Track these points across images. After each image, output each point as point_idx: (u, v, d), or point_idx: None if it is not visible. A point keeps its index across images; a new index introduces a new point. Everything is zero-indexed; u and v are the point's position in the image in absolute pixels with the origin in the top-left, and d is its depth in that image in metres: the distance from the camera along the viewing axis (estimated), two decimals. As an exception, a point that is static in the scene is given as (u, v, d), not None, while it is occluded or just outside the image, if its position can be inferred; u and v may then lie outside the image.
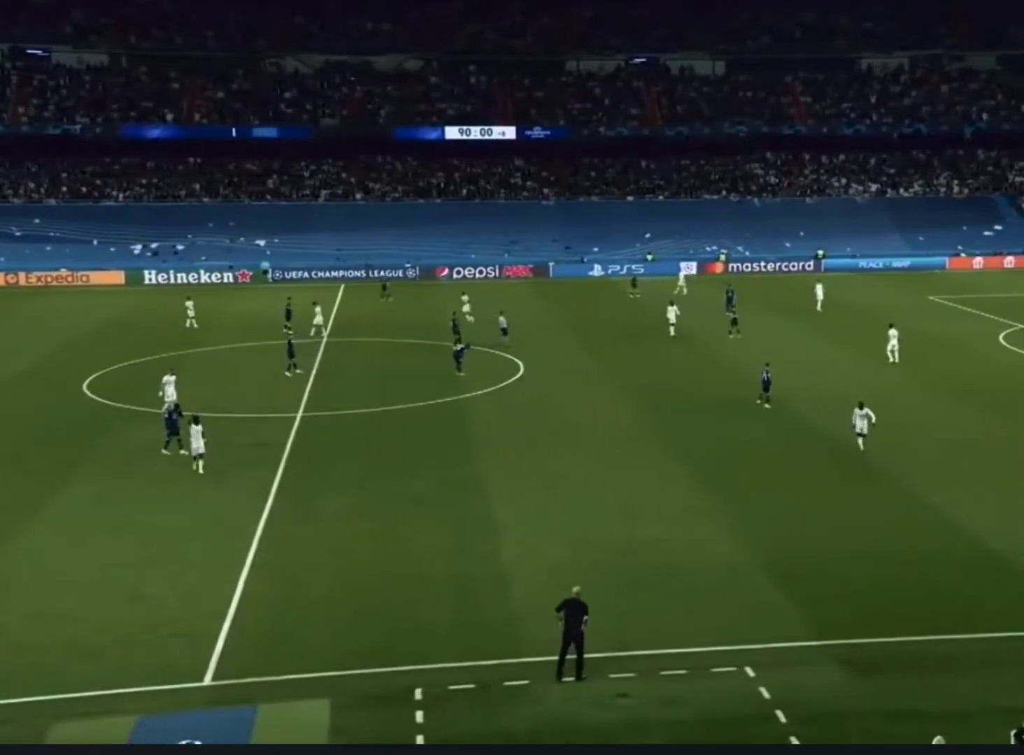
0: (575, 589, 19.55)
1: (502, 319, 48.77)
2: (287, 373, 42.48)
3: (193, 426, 30.29)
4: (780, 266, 76.33)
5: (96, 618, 21.53)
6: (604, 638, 20.40)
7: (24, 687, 18.90)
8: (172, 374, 36.34)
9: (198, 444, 30.13)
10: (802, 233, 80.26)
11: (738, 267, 76.03)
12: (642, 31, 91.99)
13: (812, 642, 20.44)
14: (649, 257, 75.99)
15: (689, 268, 74.83)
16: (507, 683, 19.06)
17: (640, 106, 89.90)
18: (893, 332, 43.67)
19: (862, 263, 76.64)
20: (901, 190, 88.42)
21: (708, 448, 32.62)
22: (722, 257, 76.60)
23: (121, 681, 18.97)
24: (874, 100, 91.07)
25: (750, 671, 19.21)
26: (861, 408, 31.48)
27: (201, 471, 30.09)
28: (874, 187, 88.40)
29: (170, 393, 35.19)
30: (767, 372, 36.81)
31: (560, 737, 17.47)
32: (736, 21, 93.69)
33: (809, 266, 76.27)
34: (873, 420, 31.25)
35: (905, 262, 77.26)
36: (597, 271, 74.26)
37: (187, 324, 53.32)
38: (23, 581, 23.41)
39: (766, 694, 18.48)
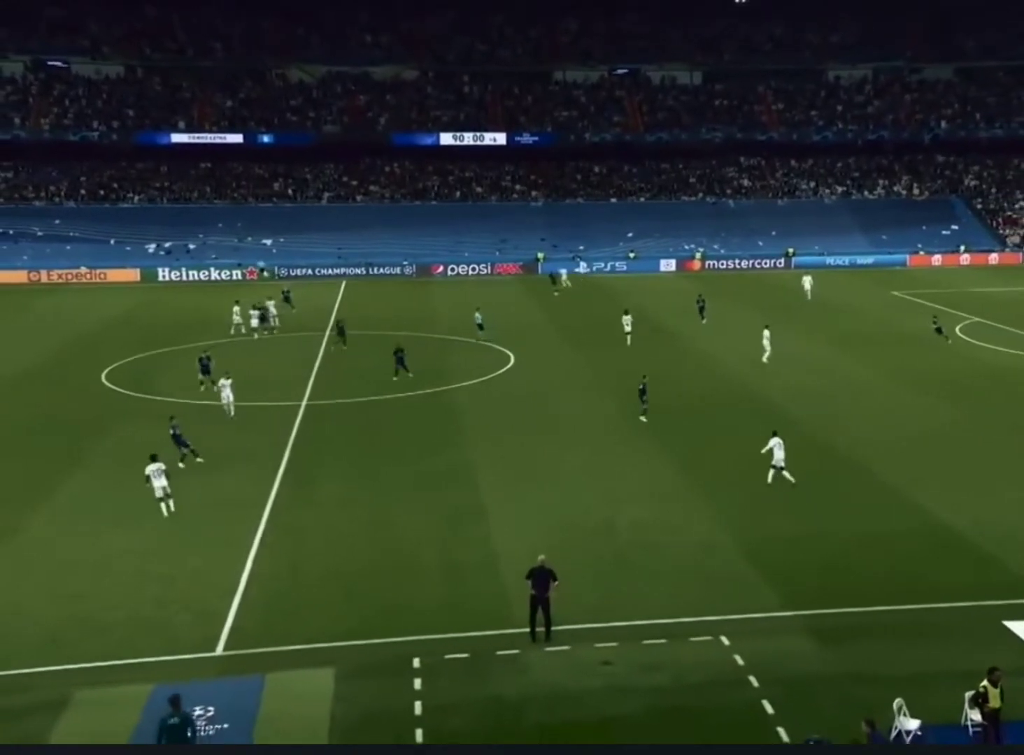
0: (540, 557, 19.69)
1: (478, 315, 48.33)
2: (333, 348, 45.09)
3: (151, 465, 25.86)
4: (753, 263, 76.36)
5: (115, 595, 21.44)
6: (589, 610, 20.49)
7: (43, 658, 18.83)
8: (228, 378, 34.59)
9: (162, 483, 25.62)
10: (773, 232, 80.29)
11: (714, 264, 76.04)
12: (624, 44, 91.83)
13: (782, 613, 20.50)
14: (631, 255, 75.96)
15: (668, 265, 75.13)
16: (498, 652, 19.08)
17: (622, 114, 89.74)
18: (766, 333, 42.06)
19: (829, 260, 76.66)
20: (865, 192, 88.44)
21: (686, 437, 32.57)
22: (698, 255, 76.59)
23: (137, 652, 18.95)
24: (840, 109, 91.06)
25: (725, 640, 19.25)
26: (775, 436, 27.92)
27: (171, 511, 25.62)
28: (840, 189, 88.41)
29: (226, 396, 34.23)
30: (644, 383, 34.04)
31: (547, 701, 17.51)
32: (712, 34, 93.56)
33: (780, 263, 76.36)
34: (781, 455, 27.48)
35: (869, 259, 77.36)
36: (583, 268, 74.12)
37: (232, 331, 50.00)
38: (41, 561, 23.29)
39: (740, 661, 18.54)
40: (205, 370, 37.94)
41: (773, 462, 27.56)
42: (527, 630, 19.56)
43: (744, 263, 76.37)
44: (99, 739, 16.21)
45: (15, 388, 39.21)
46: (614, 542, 24.05)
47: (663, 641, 19.36)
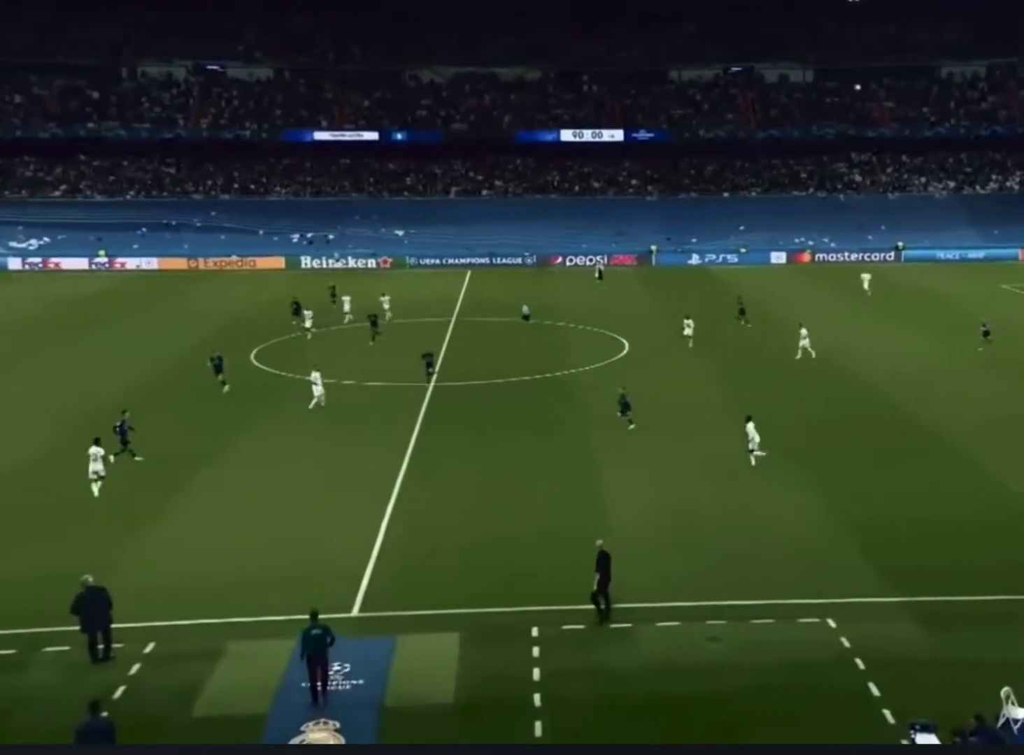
0: (599, 542, 19.46)
1: (525, 308, 48.61)
2: (371, 343, 43.49)
3: (93, 448, 25.87)
4: (863, 257, 74.03)
5: (264, 556, 22.08)
6: (697, 589, 20.29)
7: (201, 612, 19.53)
8: (317, 370, 34.00)
9: (97, 467, 25.59)
10: (883, 227, 77.60)
11: (824, 258, 74.05)
12: (738, 43, 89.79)
13: (887, 598, 19.95)
14: (742, 249, 74.51)
15: (779, 258, 73.60)
16: (612, 625, 19.06)
17: (735, 111, 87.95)
18: (804, 332, 40.30)
19: (940, 254, 73.84)
20: (977, 187, 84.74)
21: (792, 416, 31.98)
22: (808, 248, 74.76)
23: (283, 610, 19.40)
24: (953, 105, 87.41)
25: (832, 622, 18.85)
26: (748, 421, 27.60)
27: (97, 494, 25.60)
28: (951, 184, 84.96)
29: (317, 391, 33.56)
30: (624, 395, 31.79)
31: (657, 674, 17.44)
32: (825, 33, 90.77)
33: (890, 257, 73.89)
34: (756, 438, 27.25)
35: (980, 254, 74.19)
36: (695, 260, 73.12)
37: (345, 320, 49.39)
38: (200, 526, 24.10)
39: (846, 643, 18.13)
40: (218, 369, 36.31)
41: (750, 446, 27.23)
42: (639, 605, 19.52)
43: (853, 256, 74.11)
44: (249, 687, 16.80)
45: (176, 368, 40.61)
46: (723, 521, 23.75)
47: (770, 621, 19.05)
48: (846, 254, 74.20)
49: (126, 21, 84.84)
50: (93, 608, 17.51)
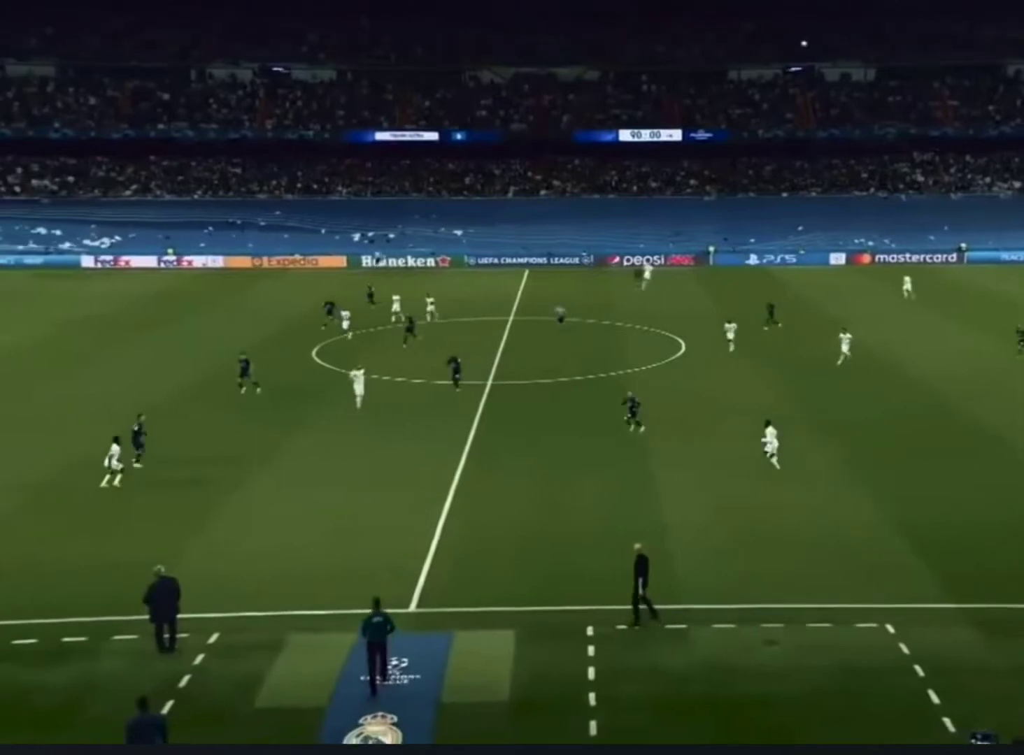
0: (637, 545, 19.18)
1: (560, 309, 47.16)
2: (404, 345, 42.69)
3: (115, 446, 26.14)
4: (924, 258, 72.53)
5: (324, 550, 22.26)
6: (753, 591, 20.06)
7: (262, 604, 19.72)
8: (360, 369, 33.93)
9: (114, 464, 26.06)
10: (946, 227, 75.90)
11: (884, 258, 72.69)
12: (798, 42, 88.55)
13: (947, 605, 19.53)
14: (801, 251, 73.47)
15: (838, 258, 72.51)
16: (667, 626, 18.92)
17: (795, 111, 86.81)
18: (846, 336, 39.18)
19: (1004, 255, 72.03)
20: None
21: (849, 419, 31.49)
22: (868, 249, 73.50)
23: (341, 604, 19.51)
24: (1019, 103, 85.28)
25: (890, 628, 18.52)
26: (767, 425, 27.33)
27: (117, 485, 26.04)
28: (1017, 185, 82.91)
29: (359, 390, 33.36)
30: (633, 397, 30.96)
31: (713, 675, 17.26)
32: (887, 31, 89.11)
33: (952, 258, 72.30)
34: (775, 443, 26.96)
35: (1046, 255, 72.37)
36: (753, 260, 72.32)
37: (393, 319, 48.71)
38: (262, 515, 24.45)
39: (905, 649, 17.80)
40: (244, 372, 35.55)
41: (766, 449, 26.93)
42: (694, 606, 19.38)
43: (915, 258, 72.58)
44: (309, 680, 16.96)
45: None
46: (778, 522, 23.49)
47: (827, 625, 18.77)
48: (907, 255, 72.74)
49: (196, 25, 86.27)
50: (162, 598, 17.83)
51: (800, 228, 76.44)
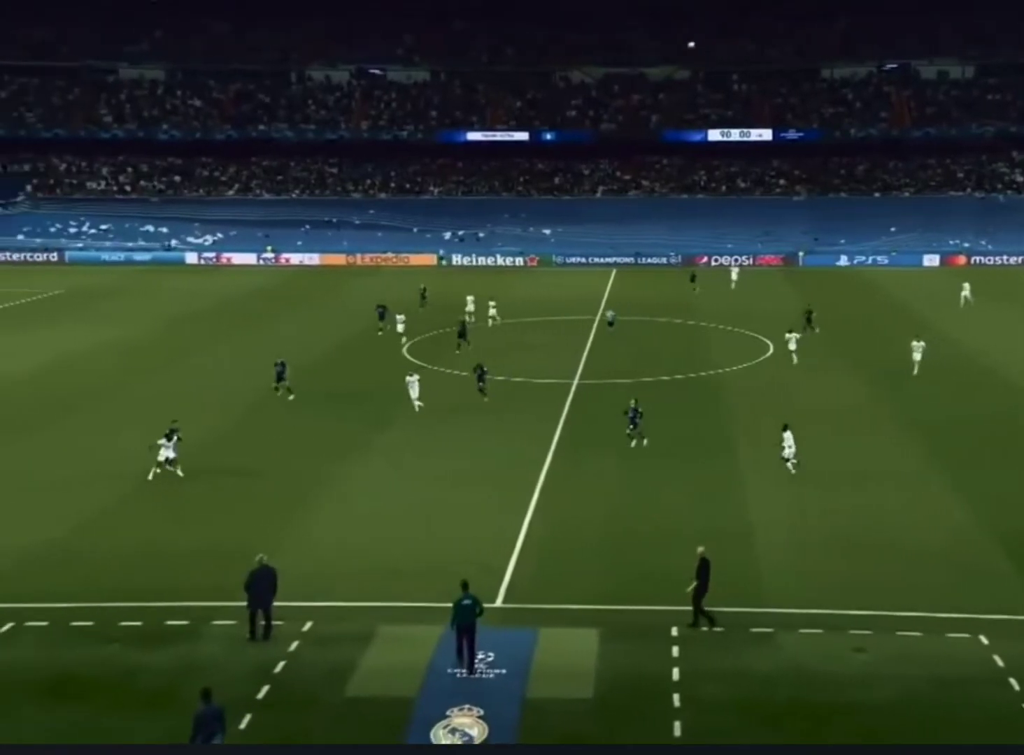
0: (700, 549, 18.78)
1: (610, 313, 45.76)
2: (457, 351, 40.70)
3: (164, 440, 26.51)
4: (1022, 260, 69.92)
5: (412, 544, 22.44)
6: (841, 596, 19.62)
7: (351, 595, 19.99)
8: (414, 375, 33.53)
9: (167, 454, 26.36)
10: (1047, 228, 73.24)
11: (980, 260, 70.34)
12: (894, 39, 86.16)
13: (1045, 618, 18.82)
14: (894, 252, 71.55)
15: (932, 260, 70.41)
16: (753, 629, 18.62)
17: (889, 109, 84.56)
18: (918, 344, 37.23)
19: (1108, 257, 69.15)
20: None
21: (937, 422, 30.58)
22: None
23: (428, 597, 19.59)
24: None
25: (984, 639, 17.91)
26: (785, 430, 26.61)
27: (180, 473, 26.46)
28: (1121, 184, 79.47)
29: (414, 394, 32.90)
30: (636, 407, 29.23)
31: (799, 681, 16.92)
32: (985, 27, 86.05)
33: (1053, 260, 69.66)
34: (792, 448, 26.33)
35: None
36: (843, 261, 70.69)
37: (467, 318, 47.33)
38: (351, 513, 24.70)
39: (1000, 661, 17.20)
40: (280, 377, 34.79)
41: (784, 454, 26.26)
42: (780, 610, 19.04)
43: (1013, 260, 70.07)
44: (398, 670, 17.15)
45: (335, 357, 41.89)
46: (866, 527, 22.91)
47: (918, 634, 18.25)
48: (1005, 257, 70.25)
49: (295, 28, 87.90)
50: (260, 586, 18.24)
51: (893, 229, 74.48)
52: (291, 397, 34.29)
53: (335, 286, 63.21)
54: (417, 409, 32.72)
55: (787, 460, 26.58)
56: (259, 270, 71.61)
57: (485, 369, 34.59)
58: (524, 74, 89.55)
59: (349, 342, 45.01)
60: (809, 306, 46.67)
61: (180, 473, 26.47)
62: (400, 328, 44.37)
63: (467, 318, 47.15)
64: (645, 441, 28.86)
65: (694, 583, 18.57)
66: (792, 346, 39.62)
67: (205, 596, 19.75)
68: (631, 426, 29.02)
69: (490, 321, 48.18)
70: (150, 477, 26.32)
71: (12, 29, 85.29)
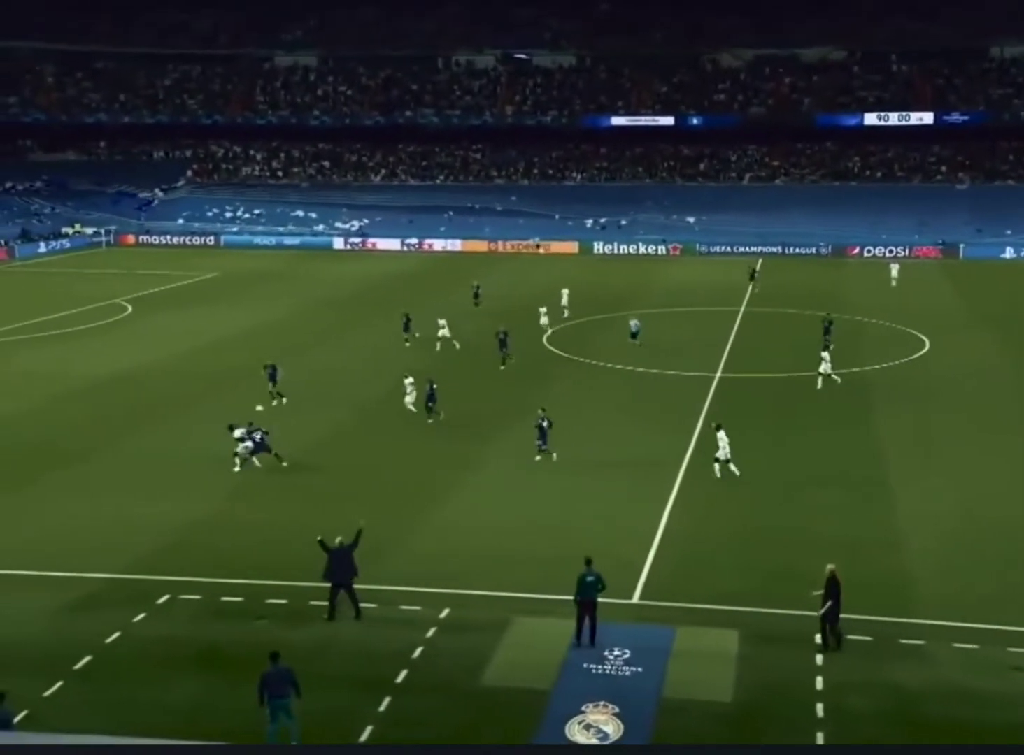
0: (830, 566, 17.74)
1: (634, 323, 40.98)
2: (502, 367, 37.42)
3: (245, 437, 26.60)
4: None
5: (547, 535, 22.42)
6: (996, 610, 18.69)
7: (488, 584, 20.18)
8: (408, 378, 31.64)
9: (245, 445, 26.55)
10: None
11: None
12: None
13: None
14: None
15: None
16: (902, 640, 17.96)
17: (1066, 90, 79.44)
18: None
19: None
20: None
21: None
22: None
23: (563, 589, 19.33)
24: None
25: None
26: (718, 430, 25.48)
27: (258, 464, 26.64)
28: None
29: (408, 400, 31.27)
30: (543, 419, 27.21)
31: (951, 697, 16.27)
32: None
33: None
34: (726, 449, 25.07)
35: None
36: (1010, 253, 66.96)
37: (562, 314, 45.85)
38: (488, 500, 24.94)
39: None
40: (271, 379, 33.16)
41: (718, 455, 25.24)
42: (931, 622, 18.33)
43: None
44: (534, 662, 17.27)
45: (478, 345, 42.10)
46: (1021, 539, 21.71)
47: (1085, 656, 17.22)
48: None
49: (441, 14, 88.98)
50: (337, 566, 18.79)
51: (1065, 218, 70.08)
52: (283, 401, 32.52)
53: (477, 273, 63.76)
54: (411, 410, 31.26)
55: (717, 461, 25.39)
56: (403, 256, 72.99)
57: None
58: (671, 57, 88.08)
59: (493, 328, 45.33)
60: (829, 315, 41.16)
61: (258, 463, 26.47)
62: (444, 332, 40.77)
63: (563, 312, 46.03)
64: (554, 456, 26.90)
65: (828, 604, 17.53)
66: (824, 368, 34.19)
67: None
68: (539, 441, 27.04)
69: (563, 311, 46.24)
70: (236, 469, 26.36)
71: (175, 19, 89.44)
